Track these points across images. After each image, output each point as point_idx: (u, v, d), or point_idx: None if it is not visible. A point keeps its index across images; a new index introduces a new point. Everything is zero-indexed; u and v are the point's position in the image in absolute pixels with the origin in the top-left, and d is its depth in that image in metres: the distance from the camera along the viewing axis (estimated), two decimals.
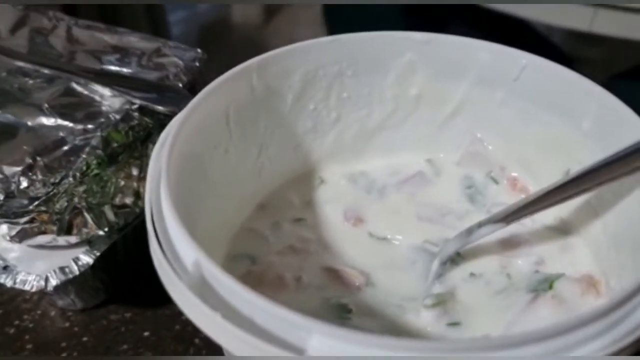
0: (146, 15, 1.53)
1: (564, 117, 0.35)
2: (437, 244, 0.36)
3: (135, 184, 0.43)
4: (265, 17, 1.91)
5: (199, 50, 0.49)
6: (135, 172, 0.43)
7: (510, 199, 0.38)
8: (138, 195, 0.43)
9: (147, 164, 0.43)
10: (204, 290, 0.24)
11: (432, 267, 0.35)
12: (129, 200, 0.43)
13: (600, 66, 1.63)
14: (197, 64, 0.48)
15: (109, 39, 0.51)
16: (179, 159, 0.31)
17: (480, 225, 0.33)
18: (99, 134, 0.41)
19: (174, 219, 0.26)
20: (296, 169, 0.40)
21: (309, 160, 0.41)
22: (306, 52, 0.37)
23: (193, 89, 0.47)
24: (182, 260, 0.25)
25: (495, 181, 0.39)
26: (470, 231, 0.34)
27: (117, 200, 0.42)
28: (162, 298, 0.27)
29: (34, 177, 0.38)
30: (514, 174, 0.39)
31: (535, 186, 0.38)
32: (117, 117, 0.42)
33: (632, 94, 1.13)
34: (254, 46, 1.93)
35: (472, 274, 0.34)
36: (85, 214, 0.41)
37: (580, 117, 0.34)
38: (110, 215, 0.42)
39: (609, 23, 1.26)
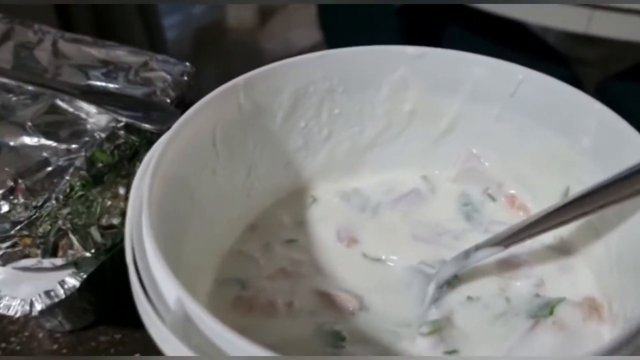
0: (140, 19, 1.52)
1: (562, 133, 0.34)
2: (433, 265, 0.35)
3: (122, 204, 0.42)
4: (259, 20, 1.90)
5: (187, 64, 0.48)
6: (122, 191, 0.42)
7: (508, 216, 0.37)
8: (126, 216, 0.42)
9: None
10: (187, 329, 0.23)
11: (428, 291, 0.33)
12: (116, 221, 0.42)
13: (596, 67, 1.62)
14: (186, 78, 0.47)
15: (96, 52, 0.50)
16: (163, 182, 0.30)
17: (477, 248, 0.32)
18: (83, 154, 0.39)
19: (156, 254, 0.24)
20: (287, 188, 0.39)
21: (300, 179, 0.40)
22: (295, 68, 0.36)
23: (181, 104, 0.46)
24: (164, 297, 0.24)
25: (493, 198, 0.38)
26: (467, 254, 0.32)
27: (104, 221, 0.41)
28: None
29: (16, 200, 0.37)
30: (512, 191, 0.38)
31: (534, 204, 0.37)
32: (102, 135, 0.41)
33: (629, 95, 1.12)
34: (249, 49, 1.91)
35: (469, 298, 0.33)
36: (71, 236, 0.40)
37: (579, 134, 0.33)
38: (96, 236, 0.41)
39: (606, 24, 1.24)
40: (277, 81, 0.36)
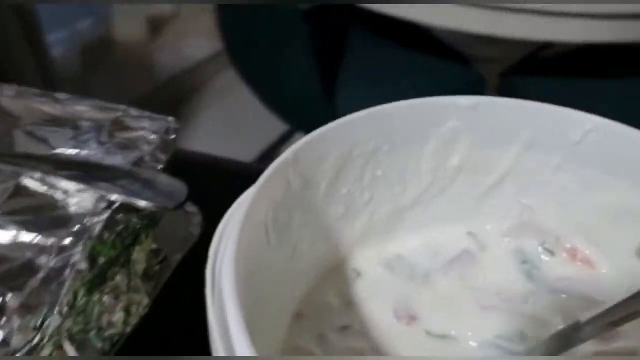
0: (23, 36, 1.38)
1: (638, 185, 0.31)
2: (512, 339, 0.32)
3: (123, 298, 0.35)
4: (149, 32, 1.78)
5: (170, 118, 0.41)
6: (121, 282, 0.35)
7: (572, 271, 0.35)
8: (127, 312, 0.36)
9: (133, 272, 0.35)
10: None
11: None
12: (116, 318, 0.35)
13: (495, 63, 1.68)
14: (173, 136, 0.40)
15: (50, 109, 0.42)
16: (235, 292, 0.24)
17: (577, 328, 0.29)
18: (80, 249, 0.32)
19: None
20: (327, 263, 0.34)
21: (339, 250, 0.35)
22: (341, 131, 0.31)
23: (169, 168, 0.40)
24: None
25: (551, 252, 0.35)
26: (566, 337, 0.29)
27: (104, 322, 0.34)
28: None
29: (10, 323, 0.29)
30: (572, 244, 0.35)
31: (601, 258, 0.34)
32: (96, 221, 0.34)
33: (525, 89, 1.15)
34: (141, 63, 1.80)
35: None
36: (66, 345, 0.32)
37: None
38: (96, 342, 0.34)
39: (513, 25, 1.28)
40: (323, 148, 0.31)
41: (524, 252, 0.35)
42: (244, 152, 1.69)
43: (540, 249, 0.35)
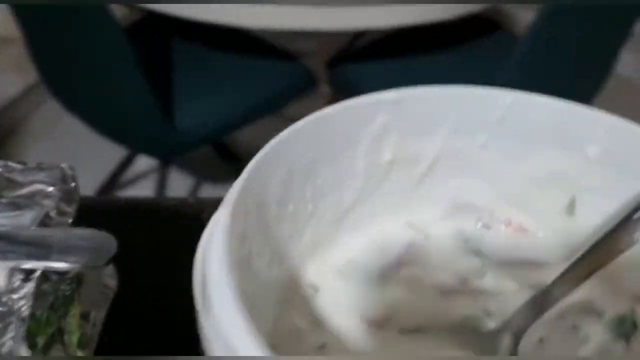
0: None
1: (564, 148, 0.33)
2: (480, 317, 0.33)
3: None
4: None
5: (63, 165, 0.37)
6: (60, 353, 0.31)
7: (511, 240, 0.36)
8: None
9: (69, 344, 0.31)
10: None
11: (500, 347, 0.31)
12: None
13: (317, 56, 1.72)
14: (73, 184, 0.36)
15: None
16: None
17: (546, 292, 0.30)
18: (11, 335, 0.28)
19: None
20: (284, 286, 0.33)
21: (293, 270, 0.33)
22: (282, 148, 0.30)
23: (79, 219, 0.35)
24: None
25: (488, 226, 0.37)
26: (537, 304, 0.30)
27: None
28: None
29: None
30: (506, 215, 0.37)
31: (534, 222, 0.36)
32: (19, 298, 0.29)
33: (351, 75, 1.21)
34: None
35: (541, 340, 0.31)
36: None
37: (583, 146, 0.33)
38: None
39: (325, 18, 1.31)
40: (270, 168, 0.29)
41: (464, 232, 0.36)
42: (84, 185, 1.58)
43: (478, 225, 0.37)
